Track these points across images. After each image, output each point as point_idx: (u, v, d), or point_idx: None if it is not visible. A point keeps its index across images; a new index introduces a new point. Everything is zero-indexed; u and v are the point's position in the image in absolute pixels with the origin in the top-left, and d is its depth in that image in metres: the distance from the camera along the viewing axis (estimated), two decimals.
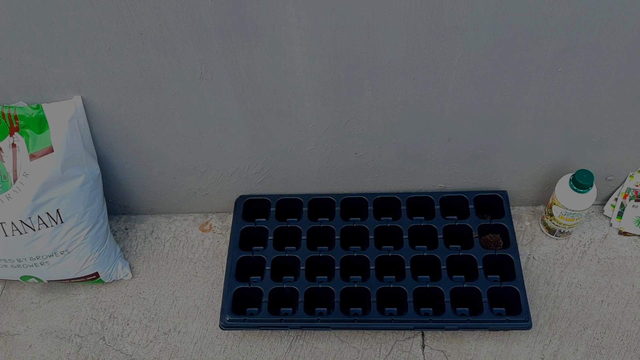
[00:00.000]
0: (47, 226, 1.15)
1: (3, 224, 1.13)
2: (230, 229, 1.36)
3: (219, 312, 1.24)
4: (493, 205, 1.33)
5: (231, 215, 1.39)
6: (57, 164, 1.13)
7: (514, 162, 1.27)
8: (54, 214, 1.15)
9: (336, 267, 1.25)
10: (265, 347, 1.23)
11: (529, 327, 1.16)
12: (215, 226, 1.43)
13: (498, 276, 1.23)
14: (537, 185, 1.33)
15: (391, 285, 1.21)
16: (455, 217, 1.32)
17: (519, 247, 1.27)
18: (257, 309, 1.22)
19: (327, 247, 1.29)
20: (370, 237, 1.28)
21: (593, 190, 1.21)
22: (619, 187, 1.34)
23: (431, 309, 1.21)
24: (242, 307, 1.24)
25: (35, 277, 1.24)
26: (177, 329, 1.27)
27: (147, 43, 1.01)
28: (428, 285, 1.21)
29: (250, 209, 1.36)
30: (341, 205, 1.34)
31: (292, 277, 1.26)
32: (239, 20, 0.97)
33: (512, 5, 0.93)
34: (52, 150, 1.12)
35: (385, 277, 1.25)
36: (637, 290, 1.25)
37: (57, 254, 1.19)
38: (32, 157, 1.12)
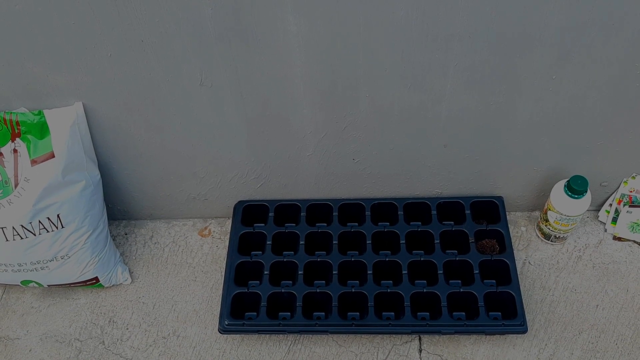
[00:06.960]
0: (47, 231, 1.16)
1: (4, 229, 1.13)
2: (229, 234, 1.37)
3: (218, 316, 1.25)
4: (489, 211, 1.34)
5: (230, 221, 1.40)
6: (58, 170, 1.14)
7: (510, 168, 1.28)
8: (54, 219, 1.16)
9: (334, 272, 1.25)
10: (263, 351, 1.24)
11: (524, 331, 1.17)
12: (214, 231, 1.44)
13: (494, 281, 1.24)
14: (533, 191, 1.34)
15: (388, 290, 1.22)
16: (452, 222, 1.32)
17: (514, 252, 1.28)
18: (255, 313, 1.23)
19: (325, 252, 1.30)
20: (367, 242, 1.29)
21: (587, 196, 1.22)
22: (613, 193, 1.35)
23: (428, 313, 1.21)
24: (241, 311, 1.24)
25: (35, 282, 1.25)
26: (176, 333, 1.27)
27: (148, 50, 1.02)
28: (425, 290, 1.22)
29: (249, 214, 1.37)
30: (339, 210, 1.34)
31: (291, 281, 1.27)
32: (238, 27, 0.98)
33: (506, 14, 0.94)
34: (53, 156, 1.13)
35: (382, 281, 1.26)
36: (632, 294, 1.26)
37: (58, 258, 1.20)
38: (33, 162, 1.12)
